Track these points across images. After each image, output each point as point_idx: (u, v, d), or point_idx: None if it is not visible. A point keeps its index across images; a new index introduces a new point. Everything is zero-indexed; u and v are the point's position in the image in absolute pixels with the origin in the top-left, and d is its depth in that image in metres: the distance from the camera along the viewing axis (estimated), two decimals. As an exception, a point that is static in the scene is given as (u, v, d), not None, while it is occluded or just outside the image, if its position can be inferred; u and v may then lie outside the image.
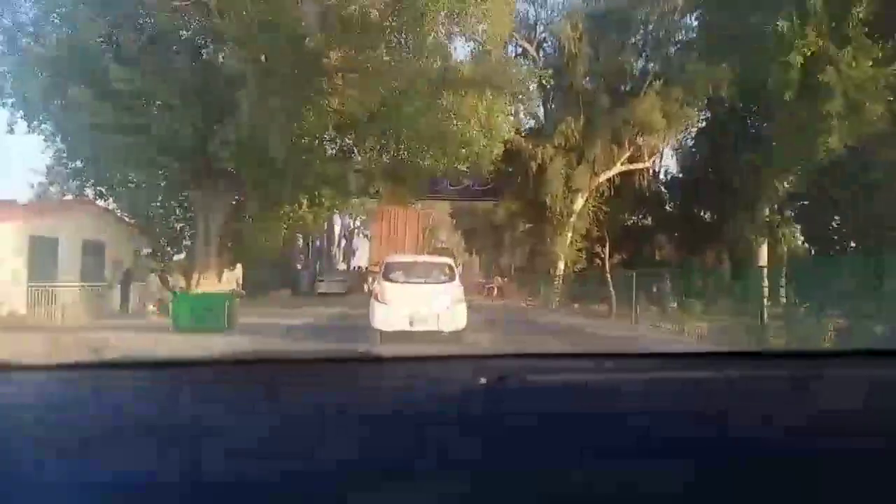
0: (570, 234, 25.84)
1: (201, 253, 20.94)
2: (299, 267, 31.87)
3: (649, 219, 30.59)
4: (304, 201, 20.53)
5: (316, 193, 20.52)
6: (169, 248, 23.08)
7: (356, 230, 57.22)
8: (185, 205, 22.23)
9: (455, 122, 17.50)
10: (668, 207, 29.42)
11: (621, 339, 13.33)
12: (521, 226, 29.07)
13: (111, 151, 16.85)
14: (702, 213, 26.92)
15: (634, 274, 19.00)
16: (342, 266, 45.11)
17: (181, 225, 23.03)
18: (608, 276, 21.70)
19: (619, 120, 24.91)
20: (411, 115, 16.93)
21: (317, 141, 19.83)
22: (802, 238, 23.47)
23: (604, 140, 25.56)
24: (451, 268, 11.85)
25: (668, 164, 46.31)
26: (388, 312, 10.53)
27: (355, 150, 20.17)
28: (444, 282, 11.28)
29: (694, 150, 26.62)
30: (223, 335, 12.06)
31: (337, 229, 55.84)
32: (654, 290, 19.89)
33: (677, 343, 12.89)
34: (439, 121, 17.33)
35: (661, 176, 30.12)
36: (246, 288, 23.97)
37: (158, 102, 16.70)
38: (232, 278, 21.83)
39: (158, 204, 22.36)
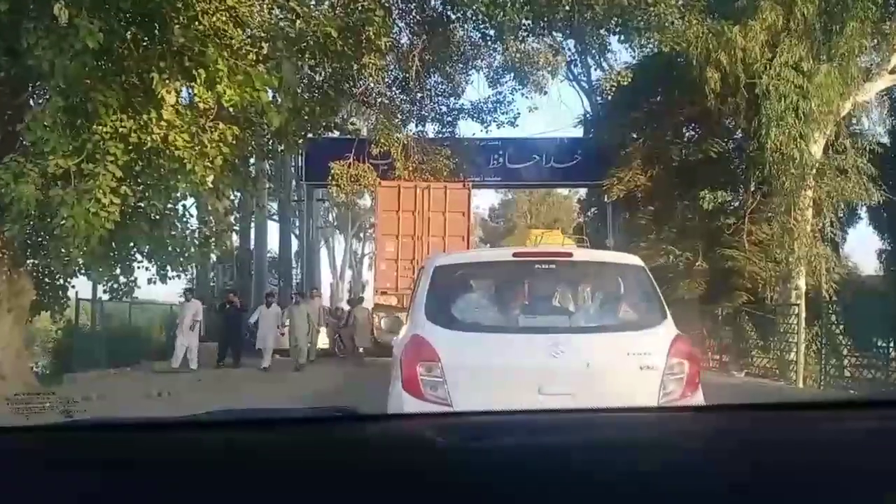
0: (810, 215, 11.87)
1: None
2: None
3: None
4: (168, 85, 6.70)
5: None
6: None
7: (367, 256, 42.97)
8: None
9: None
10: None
11: None
12: (666, 215, 15.07)
13: None
14: None
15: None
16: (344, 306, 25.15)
17: None
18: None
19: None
20: None
21: None
22: None
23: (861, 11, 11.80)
24: (643, 280, 4.16)
25: None
26: None
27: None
28: (631, 326, 4.03)
29: None
30: None
31: (339, 255, 41.41)
32: None
33: None
34: None
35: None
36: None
37: None
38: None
39: None
